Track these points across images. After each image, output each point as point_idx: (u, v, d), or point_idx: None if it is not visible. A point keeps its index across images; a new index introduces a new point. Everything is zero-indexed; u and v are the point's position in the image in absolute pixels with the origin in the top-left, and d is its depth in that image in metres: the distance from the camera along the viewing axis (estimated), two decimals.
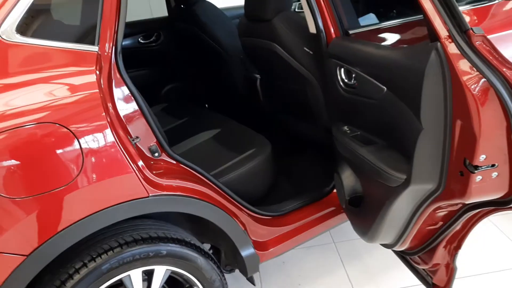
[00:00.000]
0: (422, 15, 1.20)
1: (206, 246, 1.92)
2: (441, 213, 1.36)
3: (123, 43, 2.97)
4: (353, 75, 1.56)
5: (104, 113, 1.27)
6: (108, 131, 1.28)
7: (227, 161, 1.97)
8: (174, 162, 1.56)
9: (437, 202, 1.29)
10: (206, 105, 3.33)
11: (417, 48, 1.24)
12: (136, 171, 1.35)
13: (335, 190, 1.99)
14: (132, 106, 1.45)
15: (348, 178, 1.72)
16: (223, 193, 1.67)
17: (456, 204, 1.30)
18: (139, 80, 3.14)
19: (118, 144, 1.30)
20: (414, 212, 1.36)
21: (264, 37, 2.10)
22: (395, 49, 1.40)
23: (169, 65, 3.19)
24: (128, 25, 3.07)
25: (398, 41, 1.72)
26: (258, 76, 2.59)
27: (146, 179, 1.38)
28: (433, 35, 1.16)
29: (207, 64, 2.93)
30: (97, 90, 1.26)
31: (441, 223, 1.38)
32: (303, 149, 2.50)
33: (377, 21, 1.87)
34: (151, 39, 3.10)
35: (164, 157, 1.55)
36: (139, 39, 3.07)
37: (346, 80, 1.62)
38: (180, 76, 3.23)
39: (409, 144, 1.26)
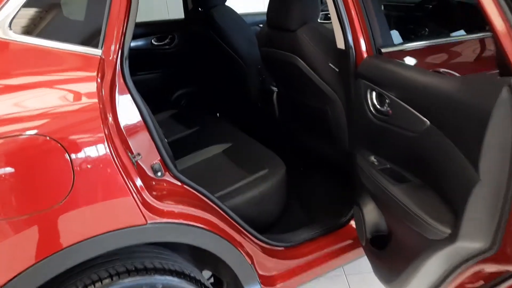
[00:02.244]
0: (467, 35, 0.98)
1: (206, 273, 1.76)
2: (485, 272, 1.17)
3: (135, 43, 2.84)
4: (387, 101, 1.37)
5: (102, 126, 1.11)
6: (104, 147, 1.11)
7: (237, 182, 1.79)
8: (179, 183, 1.39)
9: (486, 263, 1.10)
10: (218, 114, 3.17)
11: (480, 80, 1.04)
12: (134, 194, 1.18)
13: (353, 222, 1.81)
14: (136, 118, 1.28)
15: (370, 213, 1.54)
16: (231, 220, 1.50)
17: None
18: (149, 83, 3.02)
19: (115, 162, 1.13)
20: (453, 269, 1.17)
21: (285, 49, 1.93)
22: (447, 78, 1.21)
23: (182, 69, 3.03)
24: (142, 25, 2.95)
25: (443, 67, 1.52)
26: (275, 89, 2.42)
27: (145, 203, 1.21)
28: (506, 67, 0.95)
29: (222, 71, 2.78)
30: (96, 100, 1.10)
31: (481, 282, 1.19)
32: (318, 170, 2.32)
33: (405, 40, 1.68)
34: (165, 41, 2.95)
35: (168, 177, 1.38)
36: (152, 40, 2.92)
37: (377, 106, 1.44)
38: (193, 81, 3.07)
39: (456, 193, 1.06)
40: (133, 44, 2.73)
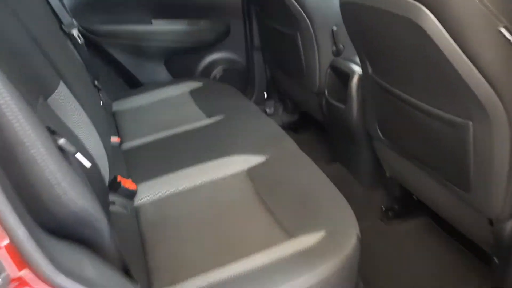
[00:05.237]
0: None
1: None
2: None
3: None
4: None
5: None
6: None
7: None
8: None
9: None
10: (265, 93, 2.23)
11: None
12: None
13: None
14: None
15: None
16: None
17: None
18: (170, 37, 2.12)
19: None
20: None
21: None
22: None
23: (220, 24, 2.08)
24: None
25: None
26: (356, 69, 1.43)
27: None
28: None
29: (275, 33, 1.81)
30: None
31: None
32: None
33: None
34: None
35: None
36: None
37: None
38: (234, 45, 2.12)
39: None
40: None
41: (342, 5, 1.13)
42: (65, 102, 1.03)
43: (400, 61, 1.03)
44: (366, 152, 1.53)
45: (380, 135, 1.30)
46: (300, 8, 1.50)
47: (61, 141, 0.67)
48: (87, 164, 0.78)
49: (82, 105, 1.10)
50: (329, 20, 1.53)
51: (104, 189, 1.03)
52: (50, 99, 0.95)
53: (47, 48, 1.06)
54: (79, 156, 0.74)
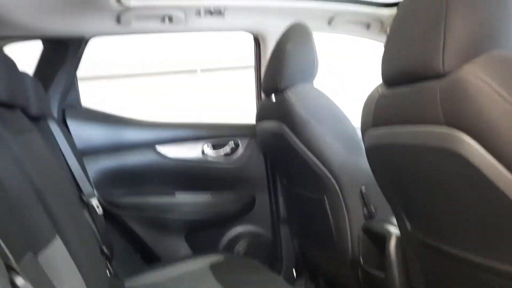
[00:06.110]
0: None
1: None
2: None
3: (177, 150, 1.97)
4: None
5: None
6: None
7: None
8: None
9: None
10: (294, 270, 2.03)
11: None
12: None
13: None
14: None
15: None
16: None
17: None
18: (192, 210, 2.05)
19: None
20: None
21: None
22: None
23: (244, 196, 2.03)
24: (191, 126, 2.13)
25: None
26: (392, 230, 1.27)
27: None
28: None
29: (302, 200, 1.72)
30: None
31: None
32: None
33: None
34: (224, 151, 2.03)
35: None
36: (204, 147, 2.01)
37: None
38: (258, 217, 2.03)
39: None
40: (174, 152, 1.90)
41: (368, 150, 1.05)
42: (59, 261, 0.90)
43: (442, 203, 0.88)
44: None
45: None
46: (325, 169, 1.44)
47: None
48: None
49: (79, 268, 0.96)
50: (357, 181, 1.44)
51: None
52: (41, 256, 0.84)
53: (50, 202, 0.99)
54: None
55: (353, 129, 1.52)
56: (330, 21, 1.93)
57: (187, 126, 2.08)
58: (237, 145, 2.02)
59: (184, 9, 1.72)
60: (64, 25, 1.65)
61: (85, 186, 1.61)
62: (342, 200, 1.46)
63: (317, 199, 1.56)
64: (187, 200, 1.97)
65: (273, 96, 1.64)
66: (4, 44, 1.69)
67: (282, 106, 1.54)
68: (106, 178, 1.86)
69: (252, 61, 2.11)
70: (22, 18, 1.53)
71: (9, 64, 1.17)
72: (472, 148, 0.71)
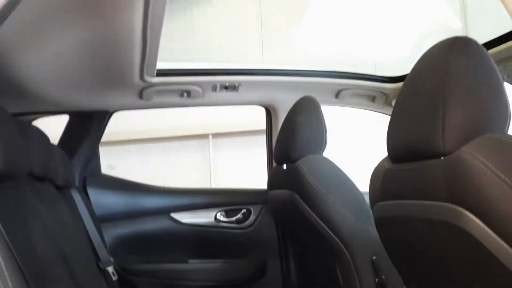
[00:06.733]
0: None
1: None
2: None
3: (190, 218, 2.02)
4: None
5: None
6: None
7: None
8: None
9: None
10: None
11: None
12: None
13: None
14: None
15: None
16: None
17: None
18: (201, 276, 2.05)
19: None
20: None
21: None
22: None
23: (256, 262, 2.04)
24: (204, 193, 2.19)
25: None
26: None
27: None
28: None
29: (314, 267, 1.74)
30: None
31: None
32: None
33: None
34: (236, 217, 2.07)
35: None
36: (217, 215, 2.06)
37: None
38: (266, 284, 2.02)
39: None
40: (188, 218, 1.92)
41: (378, 221, 1.10)
42: None
43: (449, 275, 0.92)
44: None
45: None
46: (336, 237, 1.48)
47: None
48: None
49: None
50: (367, 249, 1.47)
51: None
52: None
53: (74, 270, 1.04)
54: None
55: (362, 196, 1.57)
56: (337, 95, 2.05)
57: (201, 192, 2.15)
58: (249, 211, 2.07)
59: (201, 85, 1.84)
60: (90, 100, 1.77)
61: (103, 254, 1.65)
62: (353, 268, 1.48)
63: (329, 266, 1.58)
64: (199, 267, 1.99)
65: (284, 165, 1.72)
66: (35, 119, 1.80)
67: (293, 176, 1.60)
68: (122, 244, 1.91)
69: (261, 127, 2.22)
70: (52, 94, 1.64)
71: (43, 139, 1.27)
72: (475, 224, 0.77)
